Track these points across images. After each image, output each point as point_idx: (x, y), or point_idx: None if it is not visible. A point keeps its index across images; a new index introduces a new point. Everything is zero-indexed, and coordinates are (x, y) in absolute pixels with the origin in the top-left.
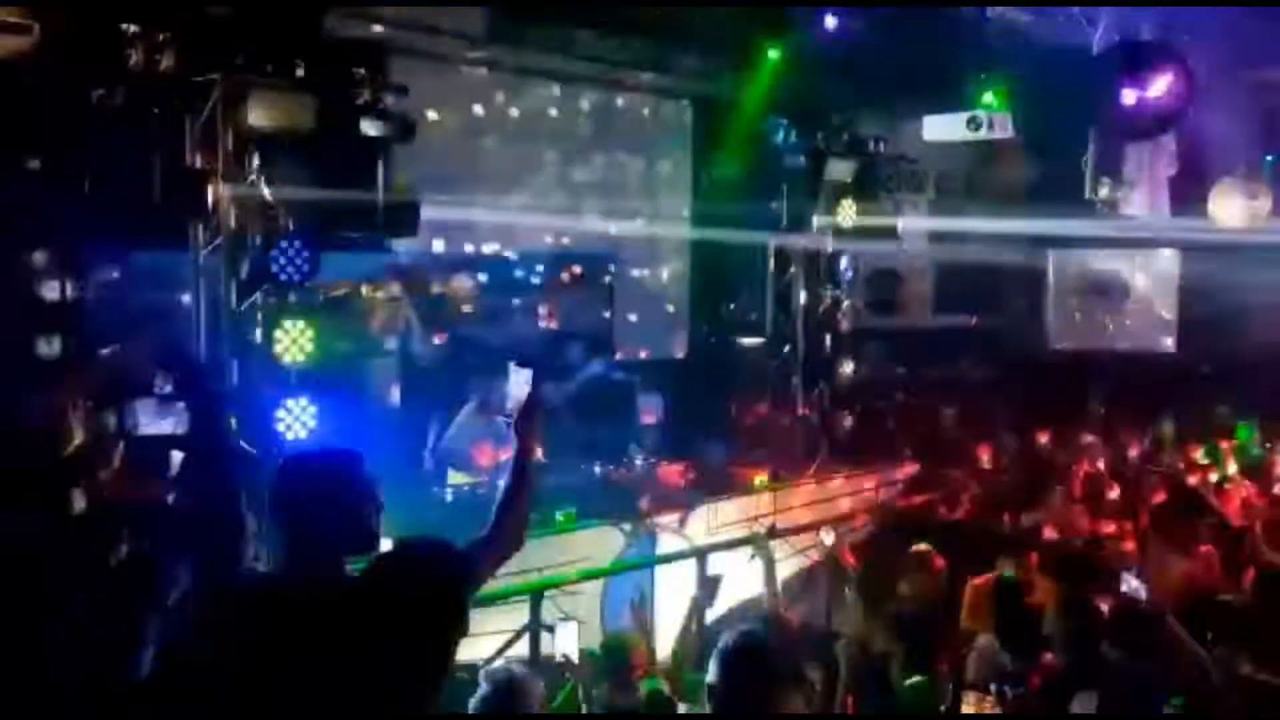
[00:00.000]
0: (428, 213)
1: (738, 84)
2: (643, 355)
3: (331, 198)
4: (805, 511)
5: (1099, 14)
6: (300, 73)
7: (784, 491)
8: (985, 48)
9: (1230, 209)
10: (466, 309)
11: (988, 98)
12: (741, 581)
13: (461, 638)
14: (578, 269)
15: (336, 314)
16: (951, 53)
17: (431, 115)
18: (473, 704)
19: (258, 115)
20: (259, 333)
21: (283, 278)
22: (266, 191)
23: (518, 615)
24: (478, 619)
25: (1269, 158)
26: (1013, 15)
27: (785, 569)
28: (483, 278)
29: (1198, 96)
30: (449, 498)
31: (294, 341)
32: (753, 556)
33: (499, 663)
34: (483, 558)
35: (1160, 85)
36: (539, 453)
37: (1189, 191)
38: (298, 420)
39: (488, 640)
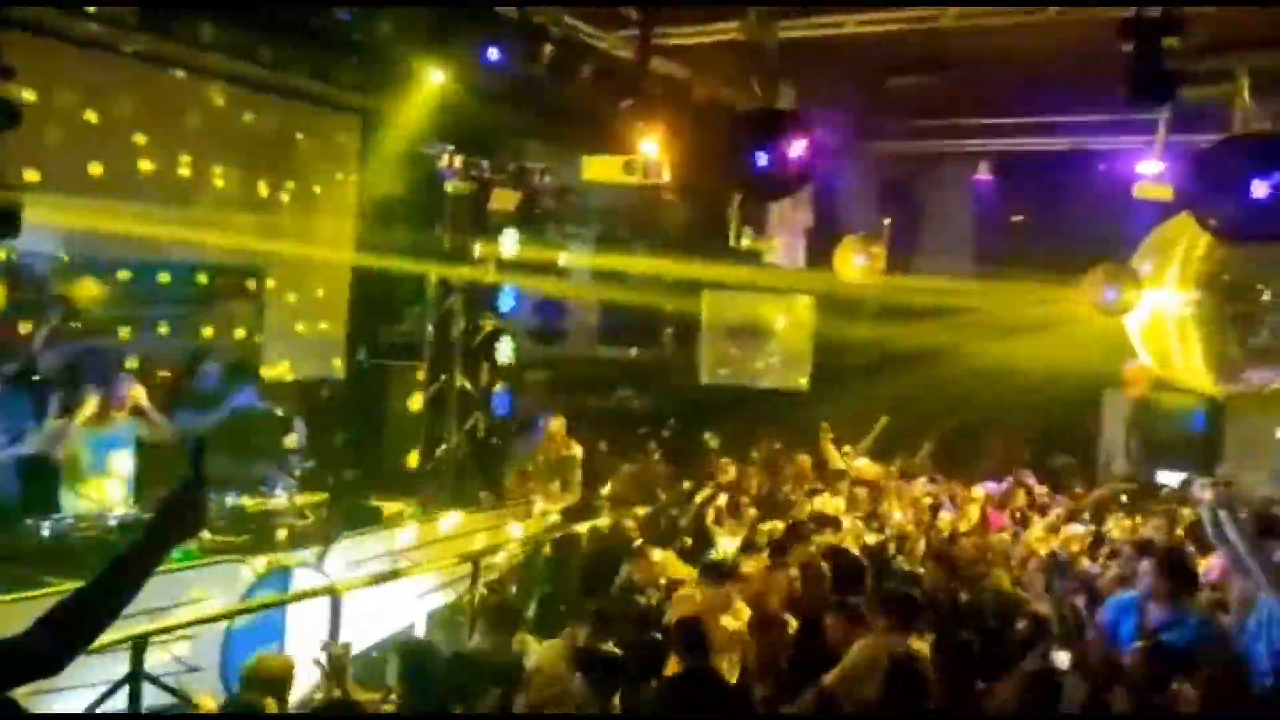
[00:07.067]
0: (49, 215)
1: (400, 103)
2: (290, 377)
3: None
4: (452, 544)
5: (748, 75)
6: None
7: (430, 524)
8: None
9: (850, 264)
10: (90, 315)
11: (646, 144)
12: (387, 614)
13: None
14: (224, 282)
15: None
16: (614, 96)
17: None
18: None
19: None
20: None
21: None
22: None
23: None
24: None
25: (885, 221)
26: (675, 68)
27: (433, 601)
28: (119, 284)
29: (825, 163)
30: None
31: None
32: None
33: None
34: None
35: (791, 150)
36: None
37: (825, 245)
38: None
39: (77, 695)
